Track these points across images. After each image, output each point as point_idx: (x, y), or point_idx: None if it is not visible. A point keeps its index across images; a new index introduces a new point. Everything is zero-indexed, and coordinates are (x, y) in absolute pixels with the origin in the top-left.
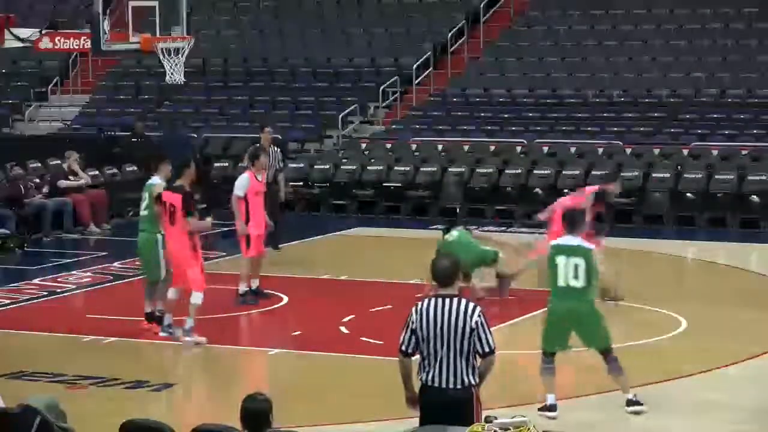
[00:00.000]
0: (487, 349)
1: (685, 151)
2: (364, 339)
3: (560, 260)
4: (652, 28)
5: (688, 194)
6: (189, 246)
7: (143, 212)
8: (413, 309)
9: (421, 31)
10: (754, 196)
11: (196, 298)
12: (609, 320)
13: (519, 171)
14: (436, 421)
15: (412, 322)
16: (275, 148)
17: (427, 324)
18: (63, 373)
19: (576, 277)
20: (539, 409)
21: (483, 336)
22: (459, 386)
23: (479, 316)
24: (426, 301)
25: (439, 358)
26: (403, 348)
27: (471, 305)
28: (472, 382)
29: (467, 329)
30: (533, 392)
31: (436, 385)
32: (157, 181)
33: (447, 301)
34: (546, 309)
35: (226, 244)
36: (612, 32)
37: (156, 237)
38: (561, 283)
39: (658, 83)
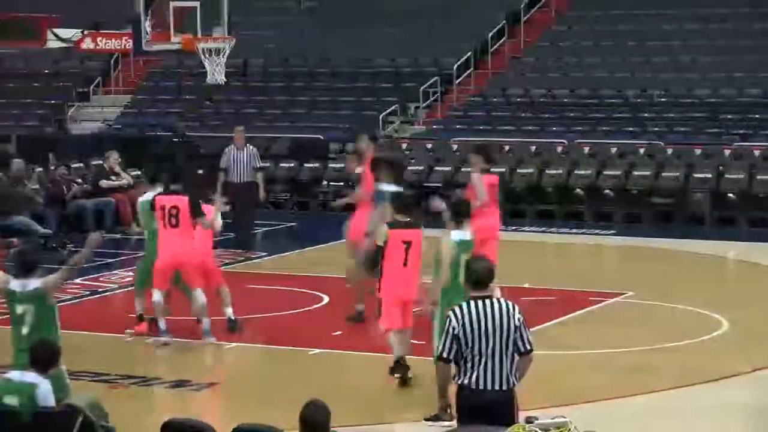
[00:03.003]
0: (529, 347)
1: (727, 152)
2: None
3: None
4: (694, 28)
5: (730, 194)
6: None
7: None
8: (451, 315)
9: (462, 32)
10: None
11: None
12: (648, 321)
13: (560, 171)
14: (477, 422)
15: (453, 328)
16: (251, 148)
17: (471, 327)
18: (105, 372)
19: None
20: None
21: (525, 334)
22: (504, 387)
23: (520, 313)
24: (464, 305)
25: (483, 360)
26: (445, 355)
27: (511, 303)
28: (515, 382)
29: (512, 327)
30: (574, 393)
31: (481, 387)
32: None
33: (487, 302)
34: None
35: (267, 244)
36: (653, 32)
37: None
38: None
39: (699, 83)
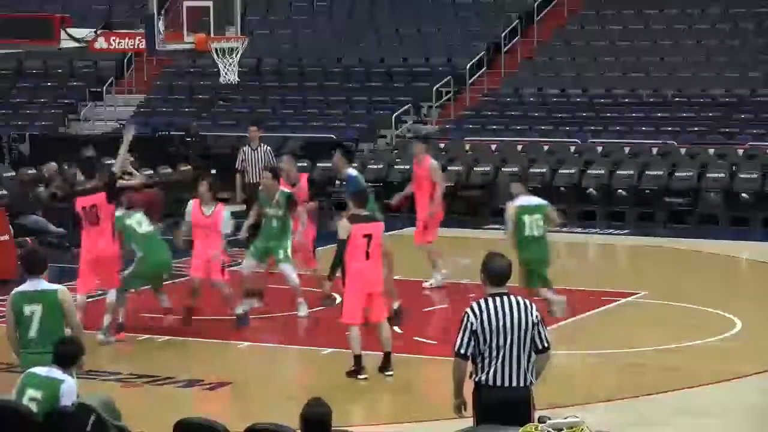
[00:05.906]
0: (546, 345)
1: (740, 151)
2: (417, 339)
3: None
4: (707, 27)
5: (743, 194)
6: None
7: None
8: (469, 311)
9: (475, 31)
10: None
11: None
12: (661, 321)
13: (572, 171)
14: (494, 420)
15: (471, 324)
16: (265, 147)
17: (489, 323)
18: (118, 371)
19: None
20: None
21: (542, 331)
22: (521, 384)
23: (537, 311)
24: (482, 301)
25: (501, 356)
26: (462, 351)
27: (527, 301)
28: (532, 381)
29: (530, 324)
30: (587, 393)
31: (498, 383)
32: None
33: (505, 298)
34: None
35: None
36: (666, 32)
37: None
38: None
39: (712, 83)
